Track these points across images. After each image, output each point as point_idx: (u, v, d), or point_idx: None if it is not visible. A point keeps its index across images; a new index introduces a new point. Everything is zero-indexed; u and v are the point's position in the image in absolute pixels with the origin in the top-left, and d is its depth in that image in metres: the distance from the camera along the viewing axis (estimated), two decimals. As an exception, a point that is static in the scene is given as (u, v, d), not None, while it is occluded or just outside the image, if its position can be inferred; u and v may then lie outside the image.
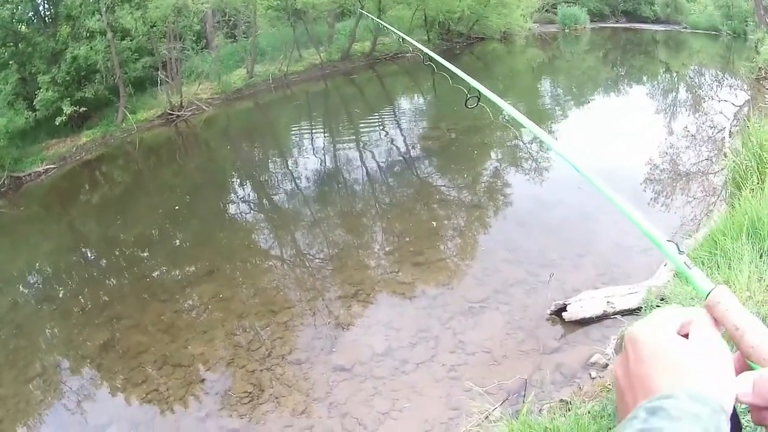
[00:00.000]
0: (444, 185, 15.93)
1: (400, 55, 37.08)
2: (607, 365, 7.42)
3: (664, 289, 7.69)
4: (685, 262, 1.41)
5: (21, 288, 14.38)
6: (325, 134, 24.13)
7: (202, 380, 8.87)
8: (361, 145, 20.66)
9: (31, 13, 26.49)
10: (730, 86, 25.93)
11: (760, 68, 24.05)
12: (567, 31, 46.19)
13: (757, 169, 10.20)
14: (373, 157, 18.77)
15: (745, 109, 18.78)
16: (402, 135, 21.33)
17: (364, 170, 17.61)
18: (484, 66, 36.29)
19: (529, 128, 2.60)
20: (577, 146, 17.36)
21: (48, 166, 23.14)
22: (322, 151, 21.08)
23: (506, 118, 3.04)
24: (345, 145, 21.75)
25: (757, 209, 7.65)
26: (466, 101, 3.51)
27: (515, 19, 40.51)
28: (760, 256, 6.81)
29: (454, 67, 3.93)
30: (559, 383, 7.40)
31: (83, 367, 10.03)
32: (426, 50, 5.05)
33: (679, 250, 1.46)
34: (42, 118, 25.22)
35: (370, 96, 30.73)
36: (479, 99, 3.43)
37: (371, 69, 35.47)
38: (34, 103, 24.59)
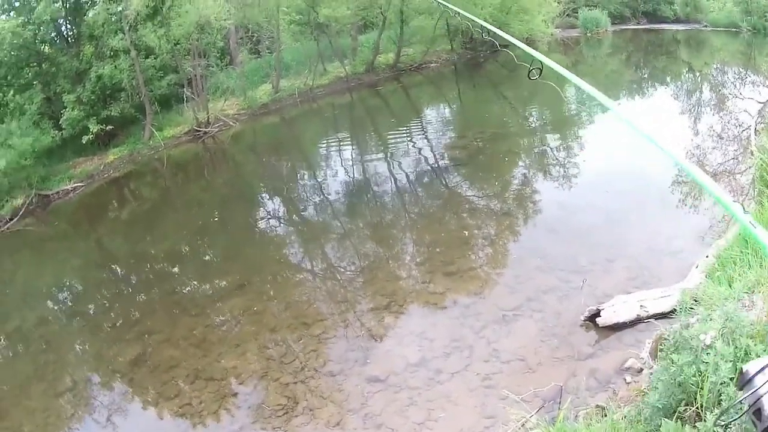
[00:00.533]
0: (473, 194, 15.93)
1: (424, 66, 37.17)
2: (641, 369, 7.39)
3: (697, 291, 7.66)
4: (750, 222, 1.49)
5: (50, 304, 14.63)
6: (352, 146, 24.21)
7: (235, 394, 8.94)
8: (389, 156, 20.69)
9: (53, 34, 26.96)
10: (752, 83, 25.75)
11: (781, 63, 23.95)
12: (589, 34, 46.02)
13: (785, 165, 10.15)
14: (401, 167, 18.80)
15: (769, 105, 18.67)
16: (429, 145, 21.33)
17: (393, 181, 17.64)
18: (508, 74, 36.24)
19: (594, 95, 2.70)
20: (606, 151, 17.35)
21: (76, 184, 23.45)
22: (350, 164, 21.13)
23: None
24: (372, 156, 21.84)
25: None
26: (529, 73, 3.58)
27: (537, 24, 40.32)
28: (793, 254, 6.76)
29: (513, 39, 4.05)
30: (595, 389, 7.37)
31: (114, 381, 10.17)
32: (483, 23, 5.17)
33: (744, 210, 1.54)
34: (68, 137, 25.68)
35: (396, 107, 30.81)
36: (541, 71, 3.50)
37: (396, 80, 35.52)
38: (60, 122, 25.00)
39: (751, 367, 2.26)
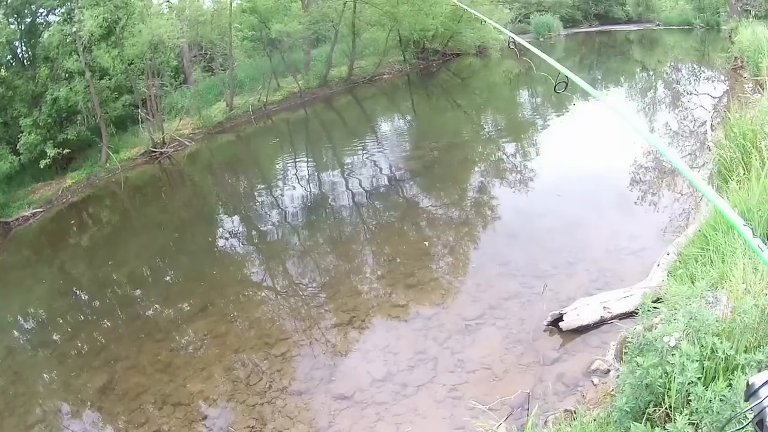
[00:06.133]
0: (431, 204, 15.91)
1: (377, 77, 37.29)
2: (608, 371, 7.37)
3: (659, 290, 7.66)
4: (758, 246, 1.74)
5: (15, 334, 14.29)
6: (309, 162, 24.05)
7: (204, 417, 8.79)
8: (345, 170, 20.64)
9: (9, 57, 26.56)
10: (707, 79, 26.20)
11: (735, 58, 24.27)
12: (542, 39, 46.43)
13: (742, 159, 10.24)
14: (358, 181, 18.73)
15: (725, 99, 18.86)
16: (385, 157, 21.30)
17: (350, 195, 17.57)
18: (461, 82, 36.43)
19: (625, 119, 2.89)
20: (560, 154, 17.47)
21: (35, 210, 23.13)
22: (307, 180, 20.98)
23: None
24: (328, 171, 21.76)
25: (746, 200, 7.65)
26: (555, 86, 3.64)
27: (489, 32, 40.67)
28: (753, 248, 6.75)
29: (540, 52, 4.11)
30: (562, 393, 7.36)
31: (84, 410, 9.95)
32: (511, 34, 5.34)
33: (753, 233, 1.81)
34: (26, 162, 25.27)
35: (351, 120, 30.82)
36: (567, 84, 3.58)
37: (350, 93, 35.60)
38: (17, 147, 24.61)
39: (756, 380, 2.38)
